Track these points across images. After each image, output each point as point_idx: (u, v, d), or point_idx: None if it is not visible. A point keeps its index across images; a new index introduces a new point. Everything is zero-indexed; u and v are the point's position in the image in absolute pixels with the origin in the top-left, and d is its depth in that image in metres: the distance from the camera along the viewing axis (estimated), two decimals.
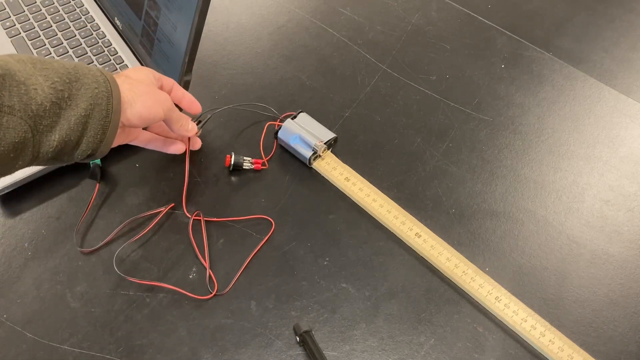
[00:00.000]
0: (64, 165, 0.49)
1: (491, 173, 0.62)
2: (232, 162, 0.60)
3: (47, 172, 0.58)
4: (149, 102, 0.50)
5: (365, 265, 0.55)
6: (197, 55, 0.58)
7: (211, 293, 0.52)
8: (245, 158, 0.61)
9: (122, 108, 0.47)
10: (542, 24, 0.79)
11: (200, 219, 0.57)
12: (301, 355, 0.50)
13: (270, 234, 0.57)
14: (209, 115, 0.62)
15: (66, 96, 0.43)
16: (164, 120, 0.53)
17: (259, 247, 0.56)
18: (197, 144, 0.60)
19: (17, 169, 0.42)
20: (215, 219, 0.57)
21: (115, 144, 0.50)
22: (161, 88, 0.54)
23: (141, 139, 0.56)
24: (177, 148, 0.58)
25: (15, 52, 0.69)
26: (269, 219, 0.57)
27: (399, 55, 0.74)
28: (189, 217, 0.57)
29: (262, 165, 0.61)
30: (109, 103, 0.45)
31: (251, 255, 0.55)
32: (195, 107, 0.58)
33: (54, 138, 0.43)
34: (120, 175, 0.60)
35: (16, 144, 0.40)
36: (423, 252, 0.55)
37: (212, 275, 0.53)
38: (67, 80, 0.43)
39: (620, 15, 0.80)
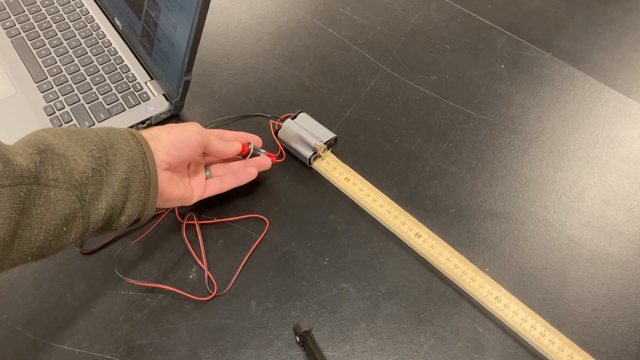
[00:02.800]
0: (110, 236, 0.50)
1: (491, 173, 0.62)
2: (251, 152, 0.58)
3: None
4: (174, 131, 0.50)
5: (365, 265, 0.55)
6: (197, 55, 0.58)
7: (211, 294, 0.52)
8: (261, 150, 0.60)
9: (151, 149, 0.47)
10: (542, 24, 0.79)
11: (194, 223, 0.56)
12: (301, 355, 0.50)
13: (264, 233, 0.57)
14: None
15: (104, 162, 0.44)
16: (209, 149, 0.53)
17: (254, 246, 0.56)
18: (265, 164, 0.59)
19: (70, 243, 0.43)
20: (207, 221, 0.57)
21: (182, 202, 0.52)
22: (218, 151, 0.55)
23: (212, 187, 0.56)
24: (251, 171, 0.57)
25: (18, 57, 0.69)
26: (263, 217, 0.57)
27: (399, 55, 0.74)
28: (181, 221, 0.57)
29: (277, 158, 0.61)
30: (144, 164, 0.46)
31: (247, 255, 0.55)
32: (267, 162, 0.59)
33: (102, 206, 0.43)
34: None
35: (67, 216, 0.41)
36: (423, 252, 0.55)
37: (211, 276, 0.53)
38: (103, 147, 0.44)
39: (620, 15, 0.80)
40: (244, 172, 0.57)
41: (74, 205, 0.41)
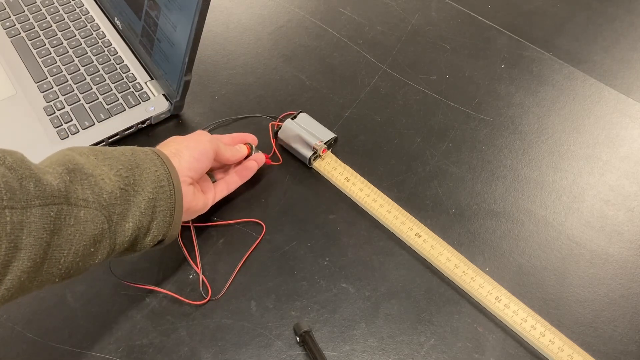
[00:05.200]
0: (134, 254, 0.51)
1: (491, 173, 0.62)
2: (252, 152, 0.59)
3: None
4: (192, 144, 0.51)
5: (365, 265, 0.55)
6: (197, 55, 0.58)
7: (205, 299, 0.52)
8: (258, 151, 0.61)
9: (175, 168, 0.48)
10: (542, 24, 0.79)
11: (189, 225, 0.56)
12: (301, 355, 0.50)
13: (261, 237, 0.56)
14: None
15: (132, 182, 0.43)
16: (217, 157, 0.54)
17: (250, 250, 0.55)
18: (261, 159, 0.60)
19: (95, 265, 0.42)
20: (203, 224, 0.57)
21: (201, 211, 0.53)
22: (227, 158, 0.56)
23: (220, 190, 0.56)
24: (251, 166, 0.58)
25: (18, 57, 0.69)
26: (260, 222, 0.57)
27: (399, 55, 0.74)
28: None
29: (271, 160, 0.61)
30: (170, 184, 0.46)
31: (243, 259, 0.55)
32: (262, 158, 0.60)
33: (128, 226, 0.43)
34: None
35: (95, 237, 0.40)
36: (423, 252, 0.55)
37: (205, 280, 0.53)
38: (130, 167, 0.44)
39: (620, 15, 0.80)
40: (245, 169, 0.58)
41: (102, 225, 0.41)
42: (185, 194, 0.48)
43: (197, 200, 0.51)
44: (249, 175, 0.58)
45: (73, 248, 0.39)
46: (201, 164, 0.51)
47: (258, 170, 0.61)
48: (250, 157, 0.59)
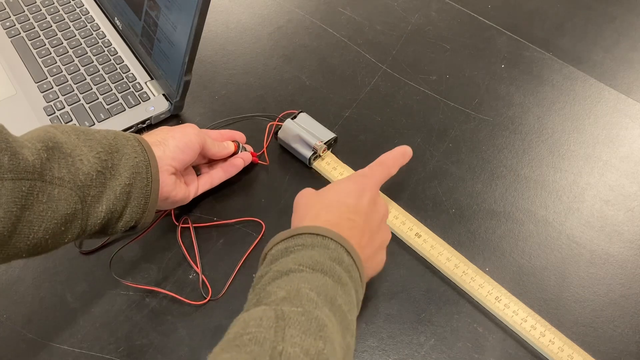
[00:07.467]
0: (106, 238, 0.51)
1: (491, 173, 0.62)
2: (239, 150, 0.59)
3: None
4: (178, 135, 0.51)
5: None
6: (197, 55, 0.58)
7: (205, 299, 0.52)
8: (245, 146, 0.61)
9: (157, 154, 0.48)
10: (542, 24, 0.79)
11: (188, 226, 0.56)
12: None
13: (260, 236, 0.56)
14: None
15: (110, 166, 0.44)
16: (203, 151, 0.54)
17: (250, 249, 0.55)
18: (248, 157, 0.60)
19: (64, 244, 0.43)
20: (203, 224, 0.57)
21: (182, 202, 0.53)
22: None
23: (203, 183, 0.56)
24: (237, 163, 0.58)
25: (18, 57, 0.69)
26: (259, 220, 0.57)
27: (399, 55, 0.74)
28: (177, 225, 0.56)
29: (259, 159, 0.61)
30: (148, 172, 0.46)
31: (243, 258, 0.55)
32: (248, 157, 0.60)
33: (101, 209, 0.43)
34: None
35: (67, 216, 0.41)
36: (423, 252, 0.55)
37: (206, 280, 0.53)
38: (110, 151, 0.44)
39: (620, 15, 0.80)
40: (231, 165, 0.58)
41: (75, 205, 0.41)
42: (166, 183, 0.48)
43: (178, 190, 0.51)
44: (234, 171, 0.58)
45: (44, 225, 0.39)
46: (186, 155, 0.51)
47: (259, 171, 0.61)
48: (237, 155, 0.59)
